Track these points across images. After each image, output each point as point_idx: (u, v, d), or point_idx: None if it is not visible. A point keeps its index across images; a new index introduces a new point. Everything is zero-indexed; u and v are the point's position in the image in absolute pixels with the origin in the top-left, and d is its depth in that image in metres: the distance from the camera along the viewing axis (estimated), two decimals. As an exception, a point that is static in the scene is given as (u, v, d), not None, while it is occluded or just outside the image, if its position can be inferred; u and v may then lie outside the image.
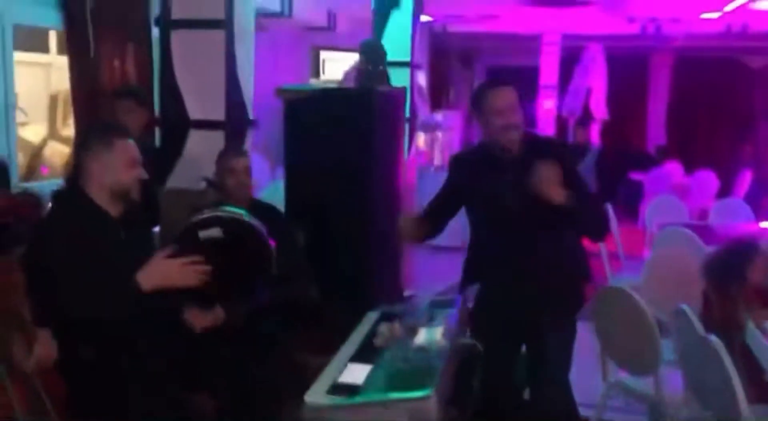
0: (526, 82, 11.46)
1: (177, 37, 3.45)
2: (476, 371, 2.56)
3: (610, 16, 9.35)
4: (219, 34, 3.39)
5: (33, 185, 5.62)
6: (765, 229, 6.35)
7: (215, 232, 2.31)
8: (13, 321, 2.62)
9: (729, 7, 8.13)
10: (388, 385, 2.11)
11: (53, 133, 6.93)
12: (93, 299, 2.17)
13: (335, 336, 2.55)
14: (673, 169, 10.37)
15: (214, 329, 2.71)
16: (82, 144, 2.43)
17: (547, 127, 10.58)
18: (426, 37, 9.49)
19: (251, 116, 3.71)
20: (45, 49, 7.01)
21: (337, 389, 2.09)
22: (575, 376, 3.02)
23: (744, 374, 2.74)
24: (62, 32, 5.52)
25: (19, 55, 5.29)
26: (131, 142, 2.39)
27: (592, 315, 3.34)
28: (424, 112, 7.39)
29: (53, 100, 6.98)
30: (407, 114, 5.81)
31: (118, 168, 2.31)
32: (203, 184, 2.97)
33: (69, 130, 6.58)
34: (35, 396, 2.82)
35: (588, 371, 3.38)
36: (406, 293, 5.32)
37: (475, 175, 2.87)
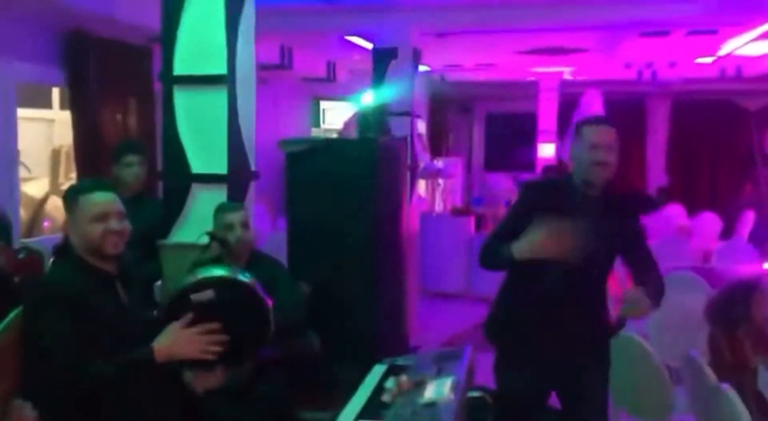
0: (524, 127, 11.61)
1: (179, 92, 3.47)
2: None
3: (607, 62, 9.48)
4: (221, 89, 3.42)
5: (35, 240, 5.61)
6: (769, 270, 6.33)
7: (208, 294, 2.27)
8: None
9: (722, 52, 8.26)
10: (397, 442, 2.07)
11: (55, 188, 6.96)
12: (89, 370, 2.11)
13: (341, 391, 2.50)
14: (676, 211, 10.37)
15: (216, 390, 2.66)
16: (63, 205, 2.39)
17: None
18: (424, 86, 9.60)
19: (254, 168, 3.71)
20: (48, 104, 7.09)
21: (345, 447, 2.05)
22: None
23: (758, 419, 2.70)
24: (65, 88, 5.59)
25: (22, 112, 5.34)
26: (103, 195, 2.29)
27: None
28: (424, 159, 7.44)
29: (56, 154, 7.03)
30: (409, 162, 5.84)
31: (83, 224, 2.26)
32: (206, 239, 2.95)
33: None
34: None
35: None
36: (411, 344, 5.26)
37: (551, 203, 2.77)
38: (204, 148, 3.47)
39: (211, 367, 2.31)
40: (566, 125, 10.67)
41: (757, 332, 3.33)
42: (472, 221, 8.55)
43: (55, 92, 6.93)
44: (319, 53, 8.62)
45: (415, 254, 5.67)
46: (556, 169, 8.70)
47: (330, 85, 9.38)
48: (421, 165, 7.03)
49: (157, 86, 3.95)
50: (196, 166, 3.47)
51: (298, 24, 6.30)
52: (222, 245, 3.04)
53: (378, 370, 2.63)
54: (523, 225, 2.65)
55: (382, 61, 6.23)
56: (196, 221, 3.42)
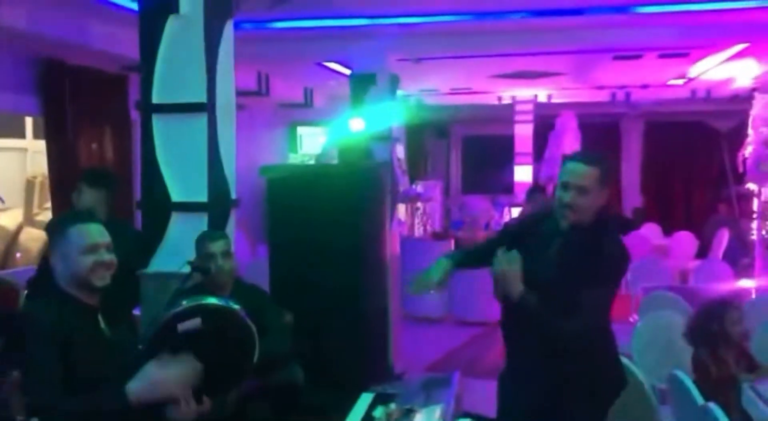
0: (502, 150, 11.68)
1: (158, 120, 3.44)
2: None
3: (581, 85, 9.61)
4: (201, 117, 3.39)
5: (8, 272, 5.50)
6: (744, 288, 6.40)
7: (195, 323, 2.22)
8: None
9: (691, 73, 8.42)
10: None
11: (29, 219, 6.86)
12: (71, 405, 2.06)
13: (328, 420, 2.46)
14: (652, 231, 10.47)
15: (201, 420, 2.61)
16: (47, 236, 2.35)
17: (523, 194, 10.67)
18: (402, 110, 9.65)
19: (234, 196, 3.68)
20: (21, 134, 7.01)
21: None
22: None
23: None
24: (38, 118, 5.53)
25: (-5, 142, 5.28)
26: (93, 226, 2.25)
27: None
28: (404, 183, 7.45)
29: (30, 184, 6.94)
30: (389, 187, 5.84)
31: (71, 255, 2.22)
32: (187, 268, 2.90)
33: (47, 215, 6.51)
34: None
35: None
36: (396, 370, 5.22)
37: (527, 229, 2.77)
38: (183, 177, 3.43)
39: (196, 397, 2.26)
40: (542, 147, 10.78)
41: (737, 348, 3.38)
42: (452, 245, 8.55)
43: (29, 121, 6.85)
44: (297, 79, 8.64)
45: (398, 279, 5.64)
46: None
47: (307, 110, 9.39)
48: (401, 189, 7.04)
49: (134, 114, 3.91)
50: (176, 194, 3.43)
51: (276, 50, 6.31)
52: (204, 275, 2.99)
53: (365, 399, 2.59)
54: (497, 245, 2.68)
55: (359, 87, 6.25)
56: (176, 249, 3.37)
